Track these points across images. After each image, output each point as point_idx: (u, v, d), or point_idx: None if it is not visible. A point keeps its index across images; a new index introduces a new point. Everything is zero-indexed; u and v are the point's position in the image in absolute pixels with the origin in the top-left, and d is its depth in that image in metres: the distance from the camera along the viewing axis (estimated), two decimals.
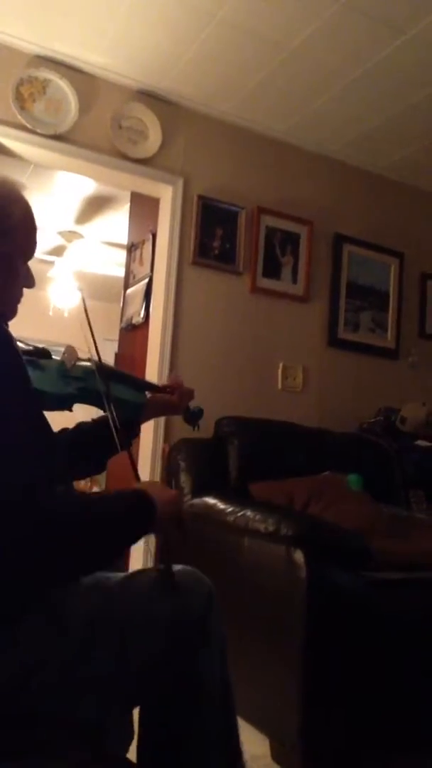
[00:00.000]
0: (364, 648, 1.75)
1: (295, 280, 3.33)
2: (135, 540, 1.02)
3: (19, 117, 2.74)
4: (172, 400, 1.47)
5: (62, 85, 2.82)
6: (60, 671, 0.94)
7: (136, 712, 1.10)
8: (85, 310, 1.31)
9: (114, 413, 1.20)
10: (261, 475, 2.56)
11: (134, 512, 1.01)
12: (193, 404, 1.54)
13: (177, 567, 1.12)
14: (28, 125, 2.76)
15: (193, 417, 1.55)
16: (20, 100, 2.75)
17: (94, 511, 0.96)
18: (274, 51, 2.70)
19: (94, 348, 1.28)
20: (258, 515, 1.98)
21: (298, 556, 1.76)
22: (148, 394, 1.45)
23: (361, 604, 1.77)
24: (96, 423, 1.37)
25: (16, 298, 1.12)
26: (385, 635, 1.79)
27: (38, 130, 2.78)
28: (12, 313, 1.12)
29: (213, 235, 3.14)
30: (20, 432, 0.91)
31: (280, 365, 3.27)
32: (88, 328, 1.26)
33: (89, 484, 4.79)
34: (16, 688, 0.90)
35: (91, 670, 0.96)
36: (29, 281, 1.14)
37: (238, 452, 2.64)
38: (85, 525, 0.92)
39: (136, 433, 1.43)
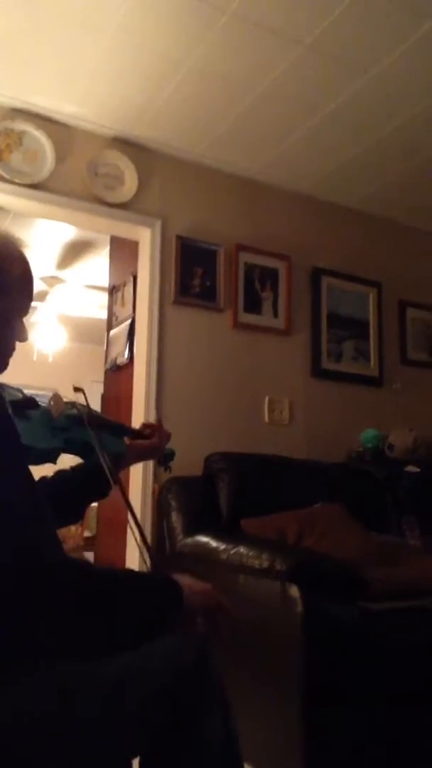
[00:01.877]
0: (364, 679, 1.72)
1: (276, 314, 3.38)
2: (157, 626, 0.98)
3: None
4: (152, 443, 1.46)
5: (38, 135, 2.89)
6: (52, 724, 0.91)
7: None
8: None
9: (104, 459, 1.20)
10: (253, 510, 2.55)
11: (160, 590, 0.97)
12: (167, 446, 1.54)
13: None
14: (6, 176, 2.81)
15: (165, 459, 1.55)
16: None
17: (111, 577, 0.94)
18: (243, 93, 2.78)
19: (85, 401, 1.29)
20: (251, 552, 1.97)
21: (293, 591, 1.74)
22: (127, 440, 1.45)
23: (358, 634, 1.75)
24: (75, 471, 1.37)
25: (9, 352, 1.13)
26: (384, 665, 1.77)
27: (16, 180, 2.83)
28: (3, 366, 1.13)
29: (193, 273, 3.18)
30: (16, 493, 0.89)
31: (266, 399, 3.28)
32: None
33: (79, 529, 4.73)
34: (7, 740, 0.88)
35: (80, 721, 0.93)
36: (22, 335, 1.14)
37: (228, 488, 2.63)
38: (105, 587, 0.90)
39: (116, 480, 1.43)
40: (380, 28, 2.37)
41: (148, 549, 1.34)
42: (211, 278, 3.22)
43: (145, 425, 1.52)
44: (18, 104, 2.89)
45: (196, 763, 1.04)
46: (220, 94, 2.79)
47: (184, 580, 1.03)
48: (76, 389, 1.33)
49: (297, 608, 1.71)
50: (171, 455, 1.55)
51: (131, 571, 1.01)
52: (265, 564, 1.88)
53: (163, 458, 1.55)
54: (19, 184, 2.84)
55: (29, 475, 1.02)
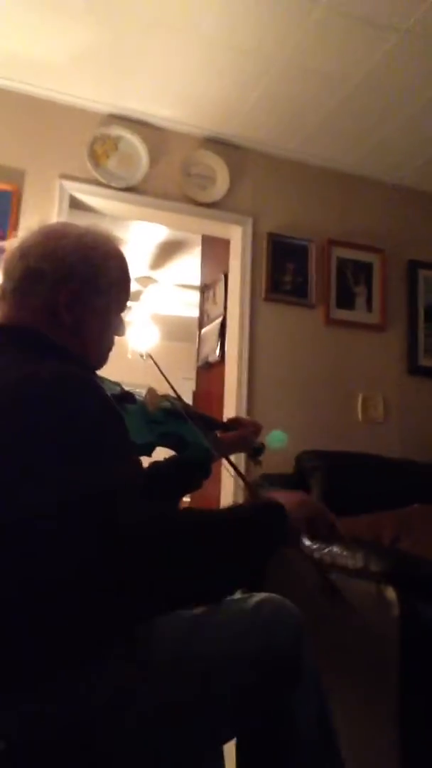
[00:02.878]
0: None
1: (369, 309, 3.30)
2: (262, 554, 0.94)
3: (95, 173, 2.89)
4: (241, 433, 1.47)
5: (133, 140, 2.97)
6: (141, 709, 0.91)
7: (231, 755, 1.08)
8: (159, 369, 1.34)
9: (202, 448, 1.22)
10: (345, 509, 2.49)
11: (257, 519, 0.94)
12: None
13: (262, 595, 1.05)
14: (103, 180, 2.91)
15: (256, 452, 1.54)
16: (95, 157, 2.90)
17: (205, 520, 0.90)
18: (336, 86, 2.74)
19: (173, 391, 1.31)
20: (345, 551, 1.94)
21: (390, 593, 1.70)
22: (218, 434, 1.46)
23: None
24: (169, 463, 1.39)
25: (109, 347, 1.16)
26: None
27: (112, 184, 2.92)
28: (104, 361, 1.16)
29: (284, 270, 3.17)
30: (123, 479, 0.89)
31: (360, 396, 3.21)
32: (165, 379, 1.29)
33: None
34: (98, 726, 0.89)
35: (173, 709, 0.93)
36: (120, 330, 1.18)
37: (320, 486, 2.60)
38: (194, 537, 0.87)
39: (208, 474, 1.43)
40: None
41: (245, 480, 1.32)
42: (302, 274, 3.19)
43: (233, 419, 1.53)
44: (113, 110, 2.98)
45: (290, 751, 1.01)
46: (313, 88, 2.76)
47: (279, 495, 1.01)
48: (143, 356, 1.36)
49: (394, 611, 1.66)
50: (261, 449, 1.54)
51: (229, 509, 1.01)
52: (359, 564, 1.84)
53: (253, 452, 1.54)
54: (116, 188, 2.93)
55: (137, 464, 1.04)
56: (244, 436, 1.47)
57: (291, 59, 2.58)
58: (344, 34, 2.42)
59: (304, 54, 2.55)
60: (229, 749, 1.10)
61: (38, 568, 0.83)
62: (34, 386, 0.90)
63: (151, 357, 1.35)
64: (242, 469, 2.89)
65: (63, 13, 2.40)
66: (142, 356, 1.42)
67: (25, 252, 1.07)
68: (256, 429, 1.51)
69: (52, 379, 0.91)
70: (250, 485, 1.19)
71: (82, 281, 1.07)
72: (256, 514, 0.98)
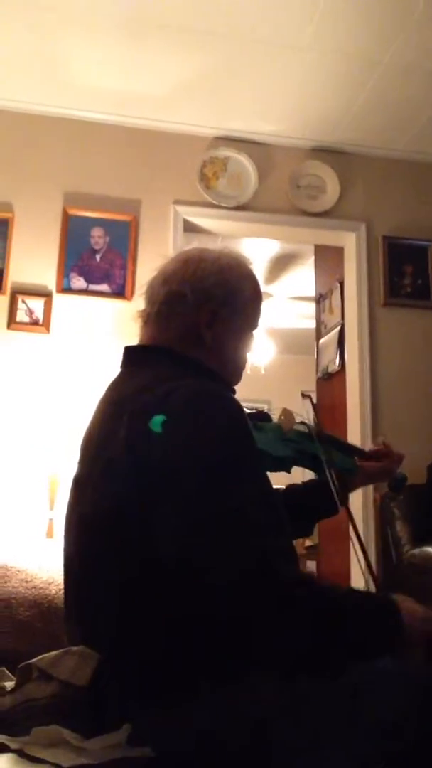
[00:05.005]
0: None
1: None
2: (371, 651, 0.93)
3: (206, 195, 2.97)
4: (383, 466, 1.41)
5: (241, 158, 3.02)
6: (287, 724, 0.90)
7: None
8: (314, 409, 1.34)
9: (330, 476, 1.20)
10: None
11: (378, 614, 0.93)
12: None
13: None
14: (214, 201, 2.98)
15: (399, 484, 1.47)
16: (205, 180, 2.98)
17: (335, 599, 0.90)
18: None
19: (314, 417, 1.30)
20: None
21: None
22: (357, 461, 1.41)
23: None
24: (306, 486, 1.38)
25: (243, 365, 1.20)
26: None
27: (224, 204, 2.99)
28: (239, 378, 1.20)
29: (402, 273, 3.07)
30: (255, 496, 0.91)
31: None
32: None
33: (303, 539, 4.77)
34: (246, 739, 0.89)
35: (319, 724, 0.91)
36: (251, 345, 1.21)
37: None
38: (324, 612, 0.87)
39: (343, 500, 1.40)
40: None
41: (370, 569, 1.28)
42: (422, 276, 3.08)
43: (375, 450, 1.47)
44: (219, 133, 3.05)
45: None
46: (419, 85, 2.68)
47: (408, 605, 0.95)
48: (304, 395, 1.35)
49: None
50: (404, 480, 1.46)
51: (353, 591, 0.97)
52: None
53: (395, 483, 1.48)
54: (227, 208, 2.99)
55: (268, 481, 1.05)
56: (387, 468, 1.42)
57: (395, 59, 2.52)
58: None
59: (409, 52, 2.48)
60: None
61: (191, 579, 0.86)
62: (174, 401, 0.94)
63: (310, 398, 1.35)
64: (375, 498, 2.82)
65: (163, 46, 2.50)
66: (303, 396, 1.41)
67: (167, 278, 1.14)
68: (400, 459, 1.44)
69: (192, 393, 0.95)
70: (366, 556, 1.15)
71: (221, 301, 1.12)
72: (375, 615, 0.94)
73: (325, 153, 3.12)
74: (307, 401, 1.33)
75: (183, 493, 0.88)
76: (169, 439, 0.90)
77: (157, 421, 0.91)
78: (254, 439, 1.00)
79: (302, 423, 1.30)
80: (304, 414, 1.32)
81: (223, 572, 0.84)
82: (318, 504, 1.34)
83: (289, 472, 1.25)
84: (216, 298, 1.11)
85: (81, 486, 1.06)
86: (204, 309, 1.10)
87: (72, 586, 1.05)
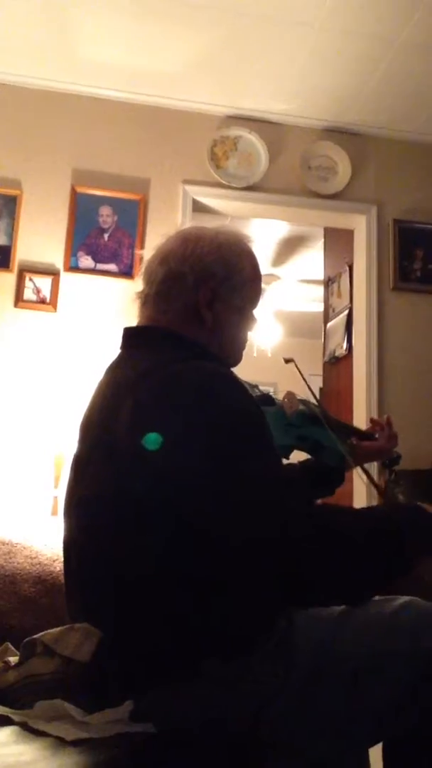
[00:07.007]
0: None
1: None
2: (405, 563, 0.94)
3: (216, 175, 2.94)
4: (380, 446, 1.43)
5: (252, 138, 2.98)
6: (287, 705, 0.92)
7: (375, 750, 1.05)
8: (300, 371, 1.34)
9: (337, 454, 1.21)
10: None
11: (413, 514, 0.95)
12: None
13: (404, 598, 1.02)
14: (224, 182, 2.95)
15: (391, 462, 1.50)
16: (215, 159, 2.95)
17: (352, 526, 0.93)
18: None
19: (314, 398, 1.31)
20: None
21: None
22: (354, 441, 1.43)
23: None
24: (304, 467, 1.39)
25: (244, 344, 1.19)
26: None
27: (233, 185, 2.96)
28: (239, 358, 1.19)
29: (413, 257, 3.05)
30: (270, 467, 0.94)
31: None
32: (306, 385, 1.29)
33: None
34: (247, 719, 0.90)
35: (319, 706, 0.92)
36: (253, 325, 1.21)
37: None
38: (340, 545, 0.90)
39: (341, 482, 1.41)
40: None
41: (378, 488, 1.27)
42: None
43: (374, 423, 1.49)
44: (231, 111, 3.01)
45: None
46: None
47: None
48: (287, 360, 1.35)
49: None
50: (397, 459, 1.50)
51: (371, 515, 1.00)
52: None
53: (389, 461, 1.51)
54: (237, 188, 2.96)
55: (280, 462, 1.06)
56: (382, 447, 1.44)
57: (411, 38, 2.47)
58: None
59: (422, 32, 2.43)
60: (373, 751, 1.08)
61: (205, 553, 0.88)
62: (184, 383, 0.94)
63: (293, 361, 1.35)
64: (375, 475, 2.82)
65: (174, 22, 2.46)
66: (286, 361, 1.40)
67: (165, 257, 1.13)
68: (395, 438, 1.46)
69: (202, 376, 0.96)
70: (385, 493, 1.16)
71: (220, 280, 1.11)
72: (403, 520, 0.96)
73: (337, 134, 3.08)
74: (292, 365, 1.33)
75: (209, 476, 0.89)
76: (180, 424, 0.91)
77: (163, 407, 0.92)
78: (263, 417, 1.01)
79: (304, 404, 1.31)
80: (308, 393, 1.31)
81: (264, 525, 0.87)
82: (316, 484, 1.37)
83: (287, 459, 1.26)
84: (216, 275, 1.10)
85: (81, 467, 1.07)
86: (204, 287, 1.09)
87: (73, 565, 1.06)
